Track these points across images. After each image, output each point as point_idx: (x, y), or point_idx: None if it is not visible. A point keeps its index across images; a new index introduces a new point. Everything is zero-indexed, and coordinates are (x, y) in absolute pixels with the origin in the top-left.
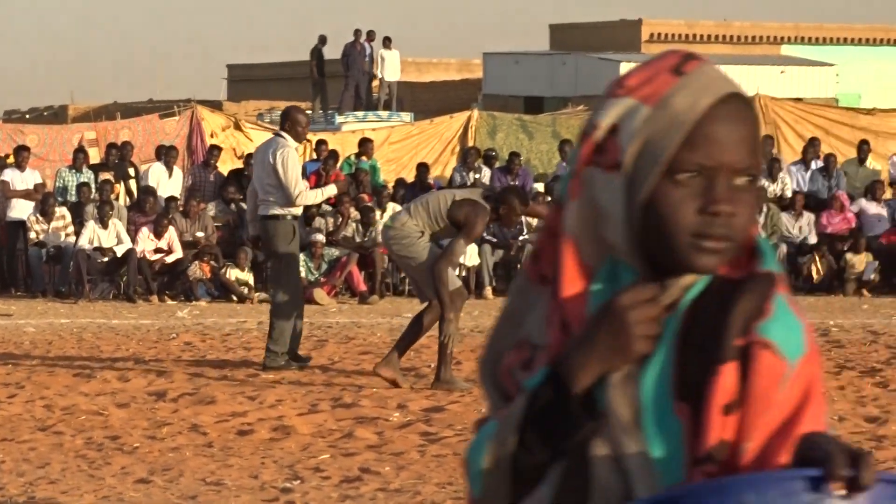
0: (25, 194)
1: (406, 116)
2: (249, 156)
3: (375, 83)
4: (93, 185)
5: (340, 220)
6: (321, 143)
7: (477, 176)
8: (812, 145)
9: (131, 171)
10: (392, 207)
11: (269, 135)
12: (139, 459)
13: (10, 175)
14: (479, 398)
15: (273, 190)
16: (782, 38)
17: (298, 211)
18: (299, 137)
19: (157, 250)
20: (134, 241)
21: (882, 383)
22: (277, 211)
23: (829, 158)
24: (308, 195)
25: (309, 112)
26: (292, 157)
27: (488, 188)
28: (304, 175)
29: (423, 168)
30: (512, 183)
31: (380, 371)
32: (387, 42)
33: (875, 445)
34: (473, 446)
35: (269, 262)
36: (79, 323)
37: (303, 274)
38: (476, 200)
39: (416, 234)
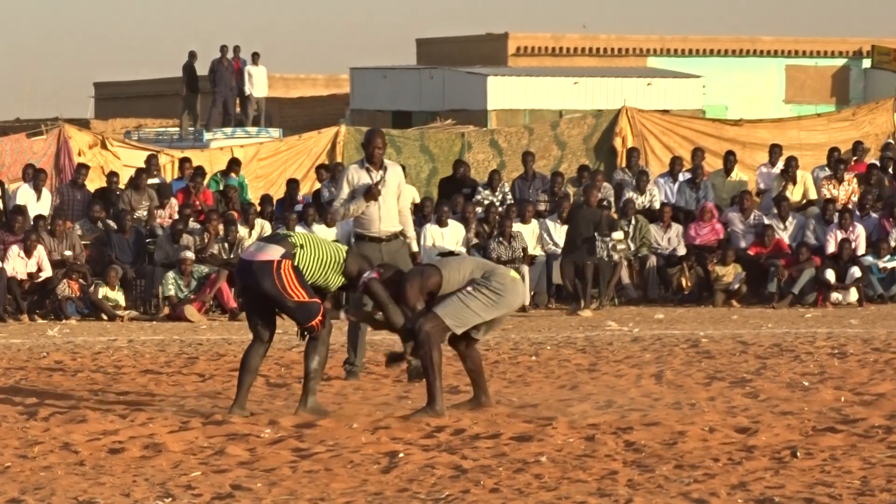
0: None
1: (275, 132)
2: (114, 174)
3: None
4: None
5: (208, 237)
6: (185, 160)
7: None
8: (695, 157)
9: None
10: (260, 224)
11: (137, 153)
12: (10, 479)
13: None
14: (349, 415)
15: None
16: (648, 51)
17: (367, 230)
18: (369, 158)
19: (29, 274)
20: (3, 260)
21: (752, 394)
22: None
23: (697, 170)
24: (338, 211)
25: (177, 129)
26: (341, 175)
27: None
28: (171, 193)
29: (293, 184)
30: None
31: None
32: (255, 58)
33: (746, 456)
34: None
35: None
36: None
37: (172, 291)
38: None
39: None
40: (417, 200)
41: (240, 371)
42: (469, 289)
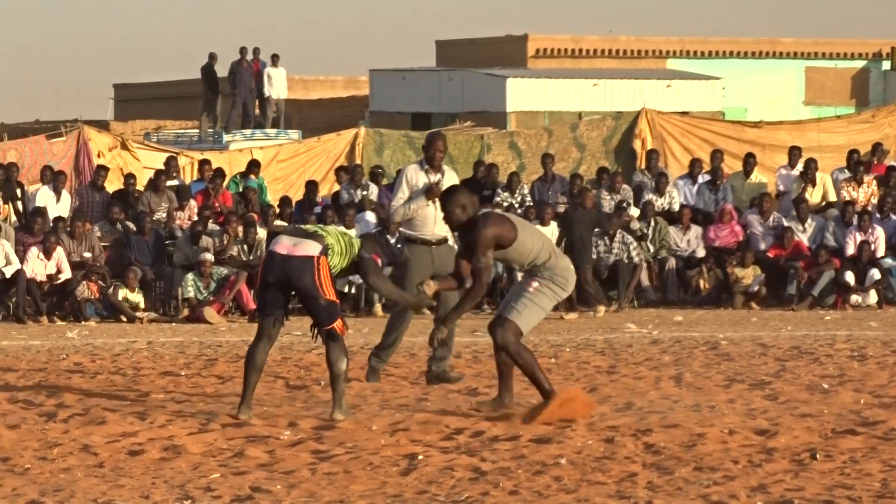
0: None
1: (294, 134)
2: (131, 176)
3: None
4: None
5: (227, 239)
6: (204, 162)
7: (364, 193)
8: (714, 159)
9: (18, 192)
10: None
11: (157, 154)
12: (30, 481)
13: None
14: (368, 416)
15: None
16: (668, 52)
17: (422, 233)
18: (429, 160)
19: (49, 276)
20: (23, 261)
21: (771, 396)
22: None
23: (716, 172)
24: (398, 211)
25: (196, 131)
26: (399, 175)
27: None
28: (190, 194)
29: (311, 186)
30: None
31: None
32: (274, 59)
33: (765, 458)
34: None
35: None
36: None
37: (191, 293)
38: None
39: None
40: None
41: (245, 370)
42: (535, 285)
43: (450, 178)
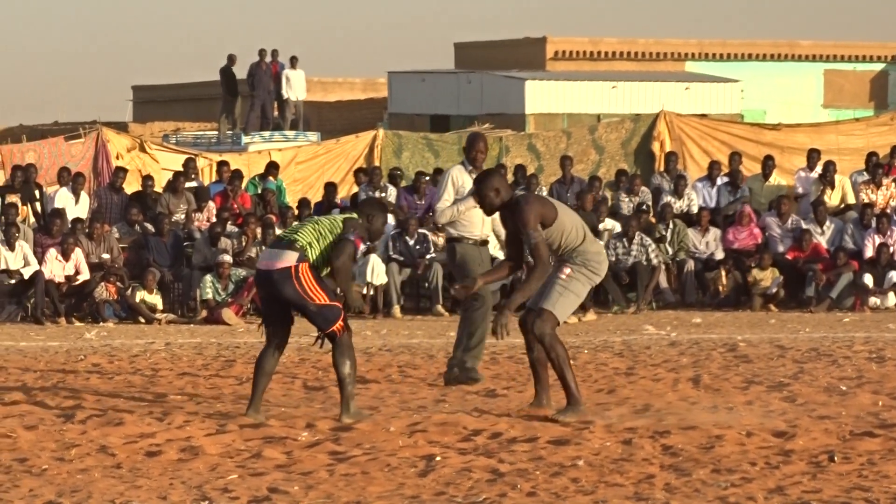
0: None
1: (312, 136)
2: (149, 178)
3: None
4: None
5: (246, 240)
6: (223, 164)
7: (383, 195)
8: (732, 161)
9: (37, 194)
10: None
11: (175, 156)
12: (48, 481)
13: None
14: (386, 417)
15: None
16: (686, 55)
17: (470, 233)
18: (472, 160)
19: (67, 277)
20: (41, 263)
21: (789, 398)
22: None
23: (735, 174)
24: (445, 213)
25: (215, 133)
26: (444, 177)
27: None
28: (209, 196)
29: (331, 187)
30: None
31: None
32: (293, 61)
33: (783, 460)
34: None
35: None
36: None
37: (210, 294)
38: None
39: None
40: None
41: (254, 374)
42: (568, 271)
43: None
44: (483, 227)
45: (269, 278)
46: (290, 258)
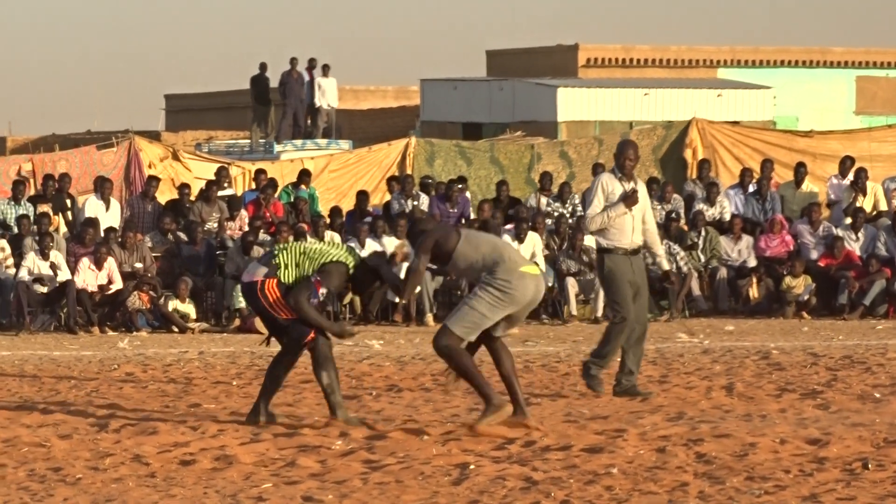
0: None
1: (345, 144)
2: (185, 186)
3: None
4: (32, 217)
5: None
6: (260, 171)
7: (415, 203)
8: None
9: (68, 203)
10: (330, 236)
11: (208, 165)
12: (82, 490)
13: None
14: (421, 426)
15: None
16: (719, 62)
17: (620, 242)
18: (621, 167)
19: (100, 286)
20: (74, 272)
21: (823, 405)
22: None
23: (762, 182)
24: (595, 220)
25: (247, 141)
26: (594, 183)
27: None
28: (242, 205)
29: (363, 196)
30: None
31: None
32: (325, 70)
33: (817, 468)
34: None
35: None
36: (20, 355)
37: (243, 303)
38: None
39: None
40: None
41: (264, 380)
42: (476, 290)
43: (642, 188)
44: (634, 234)
45: (244, 291)
46: (259, 273)
